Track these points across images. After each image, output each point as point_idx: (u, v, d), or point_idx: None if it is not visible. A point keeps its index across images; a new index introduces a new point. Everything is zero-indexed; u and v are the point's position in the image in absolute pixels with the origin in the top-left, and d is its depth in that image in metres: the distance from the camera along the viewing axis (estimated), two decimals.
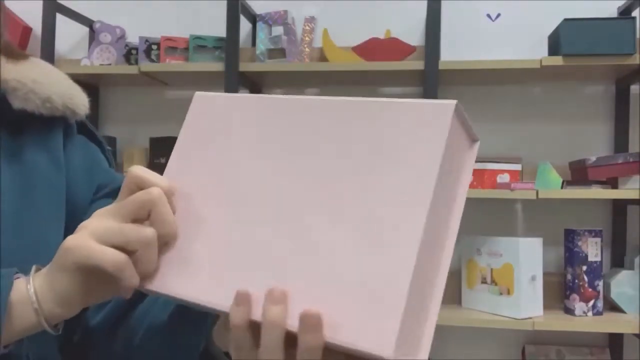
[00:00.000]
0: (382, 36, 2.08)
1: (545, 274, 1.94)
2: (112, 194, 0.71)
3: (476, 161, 1.93)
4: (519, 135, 2.13)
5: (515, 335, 2.10)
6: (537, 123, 2.12)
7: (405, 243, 0.44)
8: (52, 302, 0.52)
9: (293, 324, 0.45)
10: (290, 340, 0.45)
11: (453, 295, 2.09)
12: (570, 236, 1.90)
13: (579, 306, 1.86)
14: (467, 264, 1.99)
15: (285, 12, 2.08)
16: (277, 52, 2.05)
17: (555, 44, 1.89)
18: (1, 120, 0.66)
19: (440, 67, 1.86)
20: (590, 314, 1.86)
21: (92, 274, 0.51)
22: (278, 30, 2.09)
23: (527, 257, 1.84)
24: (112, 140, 2.22)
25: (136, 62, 2.17)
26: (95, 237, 0.51)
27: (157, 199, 0.51)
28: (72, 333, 0.68)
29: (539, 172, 1.92)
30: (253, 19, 2.17)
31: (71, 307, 0.53)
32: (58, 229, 0.66)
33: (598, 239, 1.88)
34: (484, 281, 1.93)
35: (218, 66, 1.99)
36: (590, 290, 1.86)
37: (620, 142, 2.04)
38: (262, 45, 2.07)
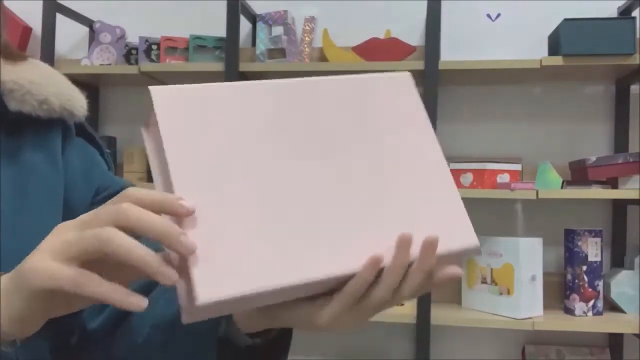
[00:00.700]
0: (382, 36, 2.08)
1: (545, 274, 1.94)
2: (110, 197, 0.70)
3: (476, 161, 1.93)
4: (519, 135, 2.13)
5: (515, 335, 2.10)
6: (537, 123, 2.12)
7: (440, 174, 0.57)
8: (4, 323, 0.48)
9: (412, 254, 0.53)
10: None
11: (453, 295, 2.09)
12: (570, 236, 1.90)
13: (579, 306, 1.86)
14: (467, 264, 1.99)
15: (285, 12, 2.08)
16: (277, 52, 2.05)
17: (555, 44, 1.89)
18: (0, 121, 0.66)
19: (440, 67, 1.86)
20: (590, 314, 1.86)
21: (54, 293, 0.47)
22: (278, 30, 2.09)
23: (527, 257, 1.84)
24: (112, 140, 2.22)
25: (136, 62, 2.17)
26: (52, 255, 0.47)
27: (125, 207, 0.47)
28: (70, 335, 0.68)
29: (539, 172, 1.92)
30: (253, 19, 2.17)
31: (25, 328, 0.49)
32: None
33: (598, 239, 1.88)
34: (484, 281, 1.93)
35: (218, 66, 1.99)
36: (590, 290, 1.86)
37: (620, 142, 2.04)
38: (262, 45, 2.07)
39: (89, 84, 2.25)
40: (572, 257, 1.89)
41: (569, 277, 1.90)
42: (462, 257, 0.57)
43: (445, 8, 1.91)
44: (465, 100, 2.16)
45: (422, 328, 1.83)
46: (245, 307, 0.50)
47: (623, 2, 2.04)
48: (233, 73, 1.94)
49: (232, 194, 0.50)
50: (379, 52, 1.97)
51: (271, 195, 0.51)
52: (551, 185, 1.87)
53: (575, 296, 1.87)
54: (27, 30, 2.28)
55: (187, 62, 2.11)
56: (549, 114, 2.12)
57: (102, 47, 2.17)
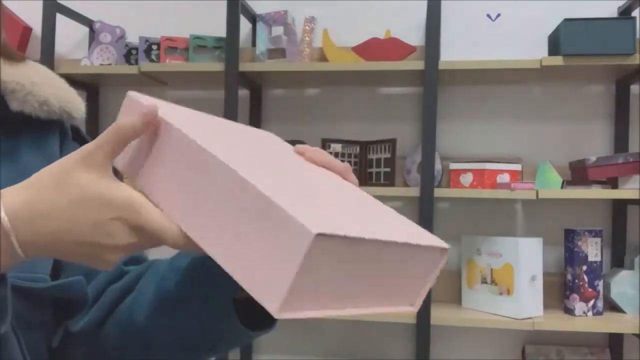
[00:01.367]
0: (382, 36, 2.08)
1: (545, 274, 1.94)
2: None
3: (476, 161, 1.93)
4: (519, 135, 2.13)
5: (515, 335, 2.10)
6: (537, 123, 2.12)
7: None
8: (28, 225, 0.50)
9: None
10: None
11: (453, 295, 2.09)
12: (570, 236, 1.90)
13: (579, 306, 1.86)
14: (467, 264, 1.99)
15: (285, 12, 2.08)
16: (277, 52, 2.05)
17: (555, 44, 1.89)
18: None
19: (440, 67, 1.86)
20: (590, 314, 1.86)
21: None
22: (278, 30, 2.09)
23: (527, 257, 1.84)
24: None
25: (136, 62, 2.17)
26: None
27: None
28: (49, 341, 0.68)
29: (539, 172, 1.92)
30: (253, 19, 2.17)
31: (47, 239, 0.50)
32: None
33: (598, 239, 1.88)
34: (484, 281, 1.93)
35: (218, 66, 1.99)
36: (590, 290, 1.86)
37: (620, 142, 2.04)
38: (262, 45, 2.07)
39: (89, 84, 2.25)
40: (572, 257, 1.89)
41: (569, 277, 1.90)
42: (434, 263, 0.57)
43: (445, 8, 1.91)
44: (465, 100, 2.16)
45: (422, 328, 1.83)
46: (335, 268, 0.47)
47: (623, 2, 2.04)
48: (233, 73, 1.94)
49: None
50: (379, 52, 1.97)
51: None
52: (551, 185, 1.87)
53: (575, 296, 1.87)
54: (27, 30, 2.28)
55: (187, 62, 2.11)
56: (549, 114, 2.12)
57: (102, 47, 2.17)
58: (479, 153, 2.13)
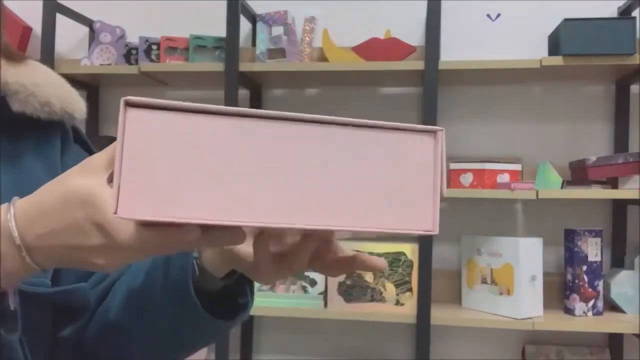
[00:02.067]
0: (382, 36, 2.08)
1: (545, 274, 1.94)
2: None
3: (476, 161, 1.93)
4: (519, 135, 2.13)
5: (515, 335, 2.10)
6: (537, 123, 2.12)
7: None
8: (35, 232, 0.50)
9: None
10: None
11: (453, 295, 2.09)
12: (570, 236, 1.90)
13: (579, 306, 1.86)
14: (467, 264, 1.99)
15: (285, 12, 2.08)
16: (277, 52, 2.05)
17: (555, 44, 1.89)
18: (0, 124, 0.66)
19: (440, 67, 1.86)
20: (590, 314, 1.86)
21: None
22: (278, 30, 2.09)
23: (527, 257, 1.84)
24: (112, 140, 2.19)
25: (136, 62, 2.17)
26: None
27: None
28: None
29: (539, 172, 1.92)
30: (253, 19, 2.17)
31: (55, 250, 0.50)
32: None
33: (598, 239, 1.88)
34: (484, 281, 1.93)
35: (218, 66, 1.99)
36: (590, 290, 1.86)
37: (620, 142, 2.04)
38: (262, 45, 2.07)
39: (89, 84, 2.25)
40: (572, 257, 1.89)
41: (569, 277, 1.90)
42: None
43: (445, 8, 1.91)
44: (465, 100, 2.16)
45: (422, 328, 1.83)
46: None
47: (623, 2, 2.04)
48: (233, 73, 1.94)
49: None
50: (379, 52, 1.97)
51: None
52: (551, 185, 1.87)
53: (575, 296, 1.87)
54: (27, 30, 2.28)
55: (187, 62, 2.11)
56: (549, 114, 2.12)
57: (102, 47, 2.17)
58: (479, 153, 2.13)
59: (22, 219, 0.50)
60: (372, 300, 1.91)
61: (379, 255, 1.84)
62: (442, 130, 0.43)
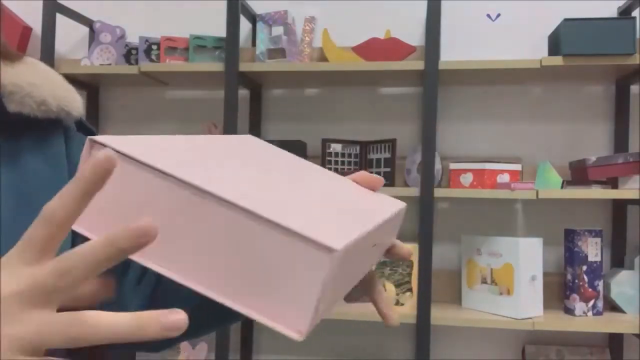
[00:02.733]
0: (382, 36, 2.08)
1: (545, 274, 1.94)
2: None
3: (476, 161, 1.93)
4: (519, 135, 2.13)
5: (515, 335, 2.10)
6: (537, 123, 2.12)
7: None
8: None
9: None
10: None
11: (453, 295, 2.09)
12: (570, 236, 1.90)
13: (579, 306, 1.86)
14: (467, 264, 1.99)
15: (285, 12, 2.08)
16: (277, 52, 2.05)
17: (555, 44, 1.89)
18: None
19: (440, 67, 1.86)
20: (590, 314, 1.86)
21: None
22: (278, 30, 2.09)
23: (527, 257, 1.84)
24: None
25: (136, 62, 2.17)
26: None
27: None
28: None
29: (539, 172, 1.92)
30: (253, 19, 2.18)
31: None
32: None
33: (598, 239, 1.88)
34: (484, 281, 1.93)
35: (218, 66, 1.99)
36: (590, 290, 1.86)
37: (620, 142, 2.04)
38: (262, 45, 2.07)
39: (89, 84, 2.25)
40: (572, 257, 1.89)
41: (569, 277, 1.90)
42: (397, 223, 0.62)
43: (445, 8, 1.91)
44: (465, 100, 2.16)
45: (422, 328, 1.83)
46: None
47: (623, 2, 2.04)
48: (233, 73, 1.94)
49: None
50: (379, 52, 1.97)
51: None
52: (551, 185, 1.87)
53: (575, 296, 1.87)
54: (27, 30, 2.28)
55: (187, 62, 2.11)
56: (549, 114, 2.12)
57: (102, 47, 2.17)
58: (479, 153, 2.13)
59: None
60: None
61: None
62: (338, 251, 0.39)
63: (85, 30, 2.28)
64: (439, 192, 1.86)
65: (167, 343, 0.77)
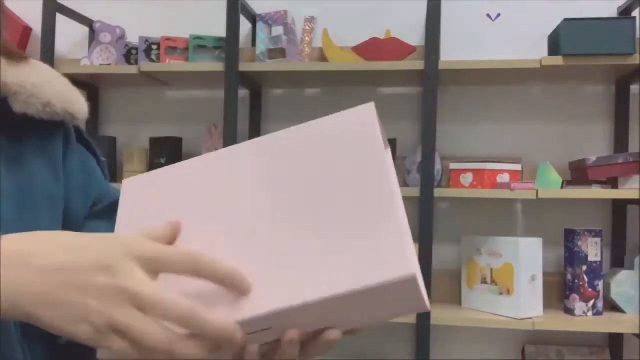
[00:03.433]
0: (382, 36, 2.08)
1: (545, 274, 1.94)
2: (107, 210, 0.72)
3: (476, 161, 1.93)
4: (519, 135, 2.13)
5: (515, 335, 2.10)
6: (537, 123, 2.12)
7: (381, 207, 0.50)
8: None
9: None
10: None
11: (453, 295, 2.09)
12: (570, 236, 1.90)
13: (579, 306, 1.86)
14: (467, 264, 1.99)
15: (285, 12, 2.08)
16: (277, 52, 2.05)
17: (555, 44, 1.89)
18: (1, 125, 0.66)
19: (440, 67, 1.86)
20: (590, 314, 1.86)
21: None
22: (278, 30, 2.09)
23: (527, 257, 1.84)
24: (112, 140, 2.22)
25: (136, 62, 2.17)
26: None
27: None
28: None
29: (539, 172, 1.92)
30: (253, 19, 2.17)
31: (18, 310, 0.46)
32: None
33: (598, 239, 1.88)
34: (484, 281, 1.93)
35: (218, 66, 1.99)
36: (590, 290, 1.86)
37: (620, 142, 2.04)
38: (262, 45, 2.07)
39: (89, 84, 2.25)
40: (572, 257, 1.89)
41: (569, 277, 1.90)
42: (402, 290, 0.48)
43: (445, 8, 1.91)
44: (465, 100, 2.16)
45: (422, 328, 1.83)
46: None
47: (623, 2, 2.04)
48: (233, 73, 1.94)
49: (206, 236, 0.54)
50: (379, 52, 1.97)
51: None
52: (551, 185, 1.87)
53: (575, 296, 1.87)
54: (27, 30, 2.28)
55: (187, 62, 2.11)
56: (549, 114, 2.12)
57: (102, 47, 2.17)
58: (479, 153, 2.13)
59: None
60: None
61: None
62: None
63: (85, 30, 2.28)
64: (439, 192, 1.86)
65: None
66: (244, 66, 1.97)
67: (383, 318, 0.52)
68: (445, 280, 2.10)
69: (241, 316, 0.47)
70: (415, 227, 2.15)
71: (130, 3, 2.31)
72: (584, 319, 1.83)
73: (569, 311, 1.89)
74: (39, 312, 0.46)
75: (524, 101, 2.13)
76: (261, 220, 0.53)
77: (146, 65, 2.03)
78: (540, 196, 1.80)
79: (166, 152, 2.13)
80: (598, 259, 1.87)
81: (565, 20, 1.80)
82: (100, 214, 0.71)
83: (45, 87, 0.66)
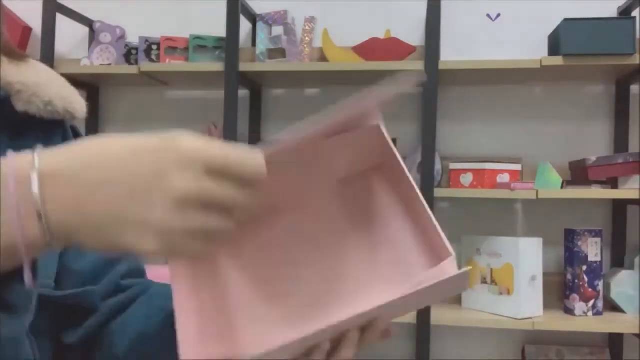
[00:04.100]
0: (382, 36, 2.08)
1: (545, 274, 1.94)
2: None
3: (476, 161, 1.93)
4: (519, 135, 2.13)
5: (515, 335, 2.10)
6: (537, 123, 2.12)
7: None
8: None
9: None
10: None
11: (453, 295, 2.09)
12: (570, 236, 1.90)
13: (579, 306, 1.86)
14: (467, 264, 1.99)
15: (285, 12, 2.08)
16: (277, 52, 2.05)
17: (555, 44, 1.89)
18: (2, 123, 0.66)
19: (440, 67, 1.86)
20: (590, 314, 1.86)
21: None
22: (278, 30, 2.09)
23: (527, 257, 1.84)
24: None
25: (136, 62, 2.17)
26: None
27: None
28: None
29: (539, 172, 1.92)
30: (253, 19, 2.17)
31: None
32: None
33: (598, 239, 1.88)
34: (484, 281, 1.93)
35: (218, 66, 1.99)
36: (590, 290, 1.86)
37: (620, 142, 2.03)
38: (262, 45, 2.07)
39: (89, 84, 2.25)
40: (572, 257, 1.89)
41: (569, 277, 1.90)
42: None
43: (445, 8, 1.91)
44: (465, 100, 2.16)
45: (422, 328, 1.83)
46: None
47: (623, 2, 2.04)
48: (233, 73, 1.94)
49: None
50: (379, 52, 1.97)
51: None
52: (551, 185, 1.87)
53: (575, 296, 1.87)
54: (27, 30, 2.28)
55: (187, 62, 2.11)
56: (549, 114, 2.12)
57: (102, 47, 2.17)
58: (479, 153, 2.13)
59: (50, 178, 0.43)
60: None
61: None
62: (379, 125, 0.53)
63: (85, 30, 2.28)
64: (439, 192, 1.86)
65: None
66: (244, 66, 1.97)
67: (432, 303, 0.65)
68: None
69: (353, 313, 0.52)
70: None
71: (130, 3, 2.31)
72: (584, 319, 1.83)
73: (569, 311, 1.89)
74: (88, 237, 0.44)
75: (524, 101, 2.13)
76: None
77: (146, 65, 2.03)
78: (540, 196, 1.80)
79: None
80: (598, 259, 1.87)
81: (565, 20, 1.80)
82: None
83: (46, 86, 0.67)
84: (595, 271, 1.86)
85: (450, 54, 1.90)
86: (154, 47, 2.15)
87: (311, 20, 2.13)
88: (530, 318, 1.82)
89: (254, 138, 2.20)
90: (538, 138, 2.12)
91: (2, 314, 0.53)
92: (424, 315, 1.83)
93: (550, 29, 1.96)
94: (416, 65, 1.89)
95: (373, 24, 2.18)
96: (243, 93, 2.21)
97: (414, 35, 2.15)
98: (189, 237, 0.44)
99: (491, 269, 1.90)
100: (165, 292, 0.67)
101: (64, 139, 0.72)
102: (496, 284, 1.88)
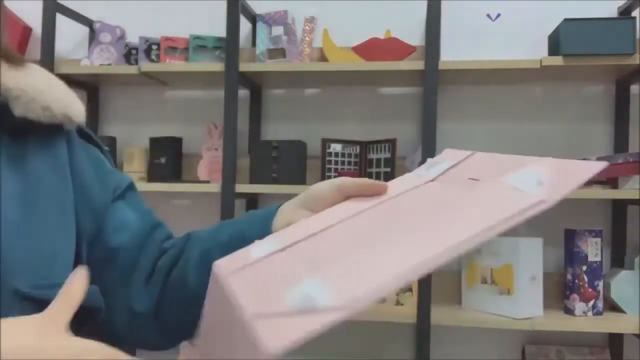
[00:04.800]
0: (382, 36, 2.08)
1: (545, 274, 1.94)
2: (123, 195, 0.77)
3: None
4: (519, 135, 2.13)
5: (515, 335, 2.10)
6: (537, 123, 2.12)
7: None
8: None
9: None
10: None
11: (453, 295, 2.09)
12: (570, 236, 1.90)
13: (579, 306, 1.86)
14: (467, 264, 1.99)
15: (285, 12, 2.08)
16: (277, 52, 2.05)
17: (555, 44, 1.89)
18: (3, 128, 0.66)
19: (440, 67, 1.86)
20: (590, 314, 1.86)
21: None
22: (278, 30, 2.09)
23: (527, 257, 1.84)
24: (112, 140, 2.22)
25: (136, 62, 2.17)
26: None
27: None
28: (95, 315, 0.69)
29: None
30: (253, 19, 2.17)
31: None
32: (66, 238, 0.67)
33: (598, 239, 1.88)
34: (484, 281, 1.93)
35: (218, 66, 1.99)
36: (590, 290, 1.86)
37: (620, 142, 2.04)
38: (262, 45, 2.07)
39: (89, 84, 2.25)
40: (572, 257, 1.89)
41: (569, 277, 1.90)
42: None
43: (445, 8, 1.91)
44: (465, 100, 2.16)
45: (422, 328, 1.83)
46: None
47: (623, 2, 2.04)
48: (233, 73, 1.94)
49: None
50: (379, 52, 1.97)
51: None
52: None
53: (575, 296, 1.87)
54: (27, 30, 2.28)
55: (187, 62, 2.11)
56: (549, 114, 2.12)
57: (102, 47, 2.17)
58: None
59: None
60: None
61: None
62: None
63: (85, 30, 2.28)
64: None
65: (171, 342, 0.77)
66: (244, 66, 1.97)
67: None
68: (445, 280, 2.10)
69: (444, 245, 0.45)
70: None
71: (130, 3, 2.31)
72: (584, 319, 1.83)
73: (569, 311, 1.89)
74: None
75: (524, 101, 2.13)
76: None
77: (146, 65, 2.03)
78: None
79: (166, 152, 2.13)
80: (598, 259, 1.87)
81: (565, 20, 1.80)
82: (120, 197, 0.77)
83: (45, 91, 0.67)
84: (595, 271, 1.86)
85: (450, 54, 1.90)
86: (154, 47, 2.15)
87: (311, 20, 2.13)
88: (530, 318, 1.82)
89: (254, 138, 2.21)
90: (538, 138, 2.12)
91: None
92: (424, 315, 1.83)
93: (550, 29, 1.96)
94: (416, 65, 1.89)
95: (373, 24, 2.18)
96: (243, 93, 2.21)
97: (414, 35, 2.15)
98: None
99: (491, 269, 1.90)
100: (214, 233, 0.74)
101: (68, 140, 0.72)
102: (496, 284, 1.88)
